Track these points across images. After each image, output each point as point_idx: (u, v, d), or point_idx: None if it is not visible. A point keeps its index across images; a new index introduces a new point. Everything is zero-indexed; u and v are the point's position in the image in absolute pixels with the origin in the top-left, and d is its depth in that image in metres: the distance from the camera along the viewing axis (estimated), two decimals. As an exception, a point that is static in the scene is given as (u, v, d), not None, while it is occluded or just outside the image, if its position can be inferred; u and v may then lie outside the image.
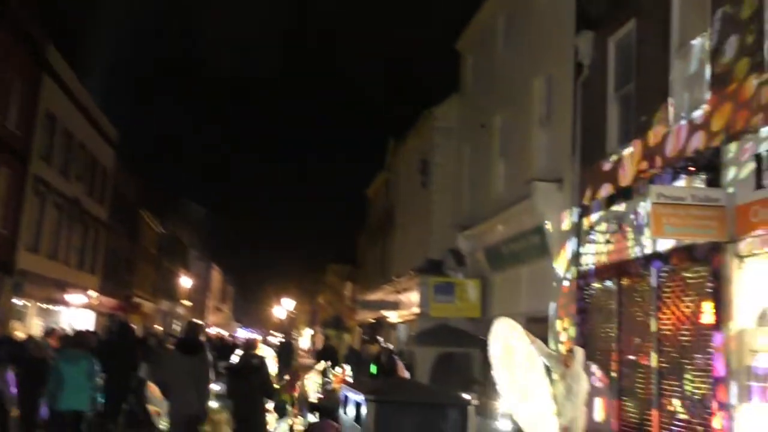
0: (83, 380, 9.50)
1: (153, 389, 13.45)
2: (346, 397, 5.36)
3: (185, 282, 59.81)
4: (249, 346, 8.11)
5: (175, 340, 8.38)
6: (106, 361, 10.33)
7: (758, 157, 8.71)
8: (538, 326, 15.28)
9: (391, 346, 12.29)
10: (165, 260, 53.82)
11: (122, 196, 38.10)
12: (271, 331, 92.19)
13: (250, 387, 7.52)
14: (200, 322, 8.28)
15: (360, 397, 4.62)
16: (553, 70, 15.76)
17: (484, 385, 16.17)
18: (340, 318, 53.20)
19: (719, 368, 9.08)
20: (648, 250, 10.94)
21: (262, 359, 8.36)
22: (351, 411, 4.98)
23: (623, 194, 11.94)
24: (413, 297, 22.87)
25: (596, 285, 12.82)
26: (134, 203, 42.04)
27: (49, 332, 12.81)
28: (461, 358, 17.72)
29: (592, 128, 13.55)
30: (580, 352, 9.24)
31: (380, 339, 12.41)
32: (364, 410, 4.45)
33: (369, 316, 29.97)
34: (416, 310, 22.03)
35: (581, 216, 13.41)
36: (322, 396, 10.80)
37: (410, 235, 25.68)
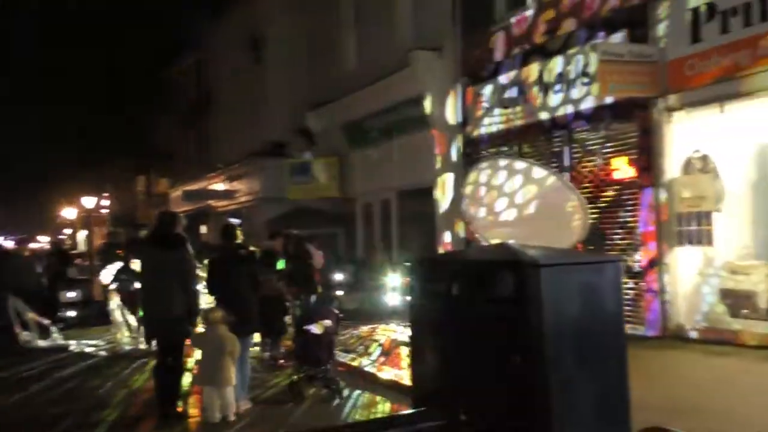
0: None
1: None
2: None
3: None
4: (229, 234, 7.00)
5: (148, 233, 6.97)
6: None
7: (695, 11, 8.93)
8: (415, 200, 15.33)
9: (295, 232, 11.41)
10: None
11: None
12: (37, 237, 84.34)
13: (238, 280, 6.54)
14: (177, 212, 6.97)
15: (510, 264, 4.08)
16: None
17: (350, 263, 16.06)
18: (134, 214, 50.09)
19: (648, 219, 9.58)
20: (557, 112, 11.08)
21: (250, 250, 7.32)
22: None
23: (522, 58, 11.89)
24: (252, 182, 21.80)
25: (491, 152, 12.87)
26: None
27: None
28: (326, 239, 17.32)
29: (475, -7, 13.22)
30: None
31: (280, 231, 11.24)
32: (525, 277, 3.93)
33: (190, 207, 28.28)
34: (259, 195, 21.05)
35: (468, 83, 13.25)
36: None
37: (239, 117, 24.12)
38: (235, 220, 24.83)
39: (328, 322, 6.95)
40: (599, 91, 9.20)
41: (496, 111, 12.48)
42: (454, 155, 13.60)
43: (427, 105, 14.06)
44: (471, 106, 13.17)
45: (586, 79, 10.49)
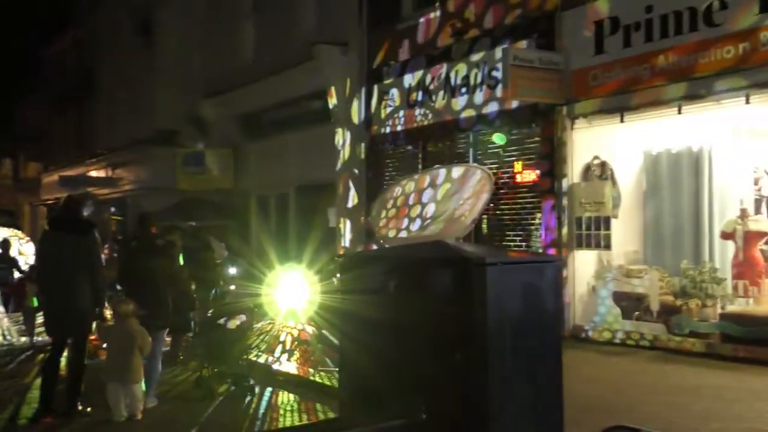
0: None
1: None
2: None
3: None
4: (146, 223, 6.58)
5: (51, 217, 6.22)
6: None
7: (599, 24, 9.30)
8: (314, 195, 15.20)
9: (193, 224, 10.97)
10: None
11: None
12: None
13: (154, 272, 6.19)
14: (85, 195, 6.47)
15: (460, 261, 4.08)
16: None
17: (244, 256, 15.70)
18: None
19: (549, 223, 9.89)
20: (462, 114, 11.25)
21: (169, 240, 6.91)
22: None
23: (429, 59, 11.98)
24: (139, 171, 20.91)
25: (395, 150, 12.93)
26: None
27: None
28: (218, 233, 16.84)
29: (381, -10, 13.23)
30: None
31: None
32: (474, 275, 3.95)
33: (65, 194, 26.72)
34: (146, 184, 20.20)
35: (374, 80, 13.24)
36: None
37: (125, 102, 23.00)
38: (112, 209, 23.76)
39: (243, 317, 6.73)
40: (509, 95, 9.40)
41: (401, 110, 12.53)
42: (357, 152, 13.54)
43: (331, 100, 13.92)
44: (376, 104, 13.15)
45: (492, 83, 10.73)
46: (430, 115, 11.92)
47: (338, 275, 5.09)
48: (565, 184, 9.74)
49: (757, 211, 8.98)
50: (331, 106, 13.94)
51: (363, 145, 13.41)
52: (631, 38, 8.92)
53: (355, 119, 13.57)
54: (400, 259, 4.71)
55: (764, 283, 8.55)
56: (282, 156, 15.84)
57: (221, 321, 6.68)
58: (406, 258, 4.66)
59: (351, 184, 13.63)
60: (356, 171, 13.49)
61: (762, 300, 8.61)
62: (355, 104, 13.59)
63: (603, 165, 9.82)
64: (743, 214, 8.81)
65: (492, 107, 10.69)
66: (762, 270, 8.64)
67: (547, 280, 4.36)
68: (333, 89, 13.87)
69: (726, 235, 8.90)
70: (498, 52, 10.49)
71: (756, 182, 9.70)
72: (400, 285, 4.55)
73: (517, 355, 4.25)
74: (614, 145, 9.82)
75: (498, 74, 10.55)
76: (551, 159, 9.89)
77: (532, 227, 10.23)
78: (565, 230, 9.73)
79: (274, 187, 16.33)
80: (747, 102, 7.99)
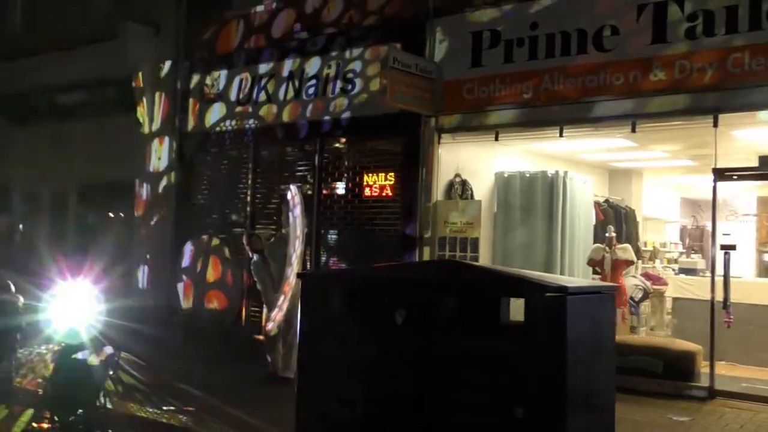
0: None
1: None
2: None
3: None
4: None
5: None
6: None
7: (476, 35, 8.85)
8: (106, 198, 13.11)
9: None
10: None
11: None
12: None
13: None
14: None
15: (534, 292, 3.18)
16: None
17: None
18: None
19: (412, 239, 9.18)
20: (304, 118, 10.18)
21: None
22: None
23: (266, 55, 10.73)
24: None
25: (219, 152, 11.40)
26: None
27: None
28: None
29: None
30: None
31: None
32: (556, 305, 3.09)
33: None
34: None
35: (194, 71, 11.62)
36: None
37: None
38: None
39: (109, 350, 5.06)
40: (387, 101, 8.51)
41: (230, 110, 11.08)
42: (168, 151, 11.74)
43: (137, 89, 11.97)
44: (198, 100, 11.51)
45: (347, 86, 9.81)
46: (264, 118, 10.64)
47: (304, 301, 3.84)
48: (429, 200, 9.10)
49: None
50: (136, 96, 11.99)
51: (175, 143, 11.67)
52: (513, 54, 8.55)
53: (169, 114, 11.76)
54: (415, 283, 3.59)
55: (622, 311, 8.63)
56: (61, 149, 13.35)
57: (79, 355, 4.94)
58: (424, 282, 3.56)
59: (157, 187, 11.78)
60: (166, 172, 11.70)
61: (620, 328, 8.66)
62: (167, 96, 11.79)
63: (464, 183, 9.39)
64: (609, 242, 8.85)
65: (347, 111, 9.75)
66: (627, 298, 8.73)
67: (607, 313, 3.59)
68: (140, 76, 11.96)
69: (594, 263, 8.87)
70: (356, 53, 9.65)
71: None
72: (418, 318, 3.47)
73: (588, 406, 3.40)
74: (479, 164, 9.46)
75: (356, 78, 9.69)
76: (415, 173, 9.20)
77: (391, 245, 9.40)
78: (426, 251, 9.09)
79: (47, 185, 13.73)
80: (633, 130, 7.99)
